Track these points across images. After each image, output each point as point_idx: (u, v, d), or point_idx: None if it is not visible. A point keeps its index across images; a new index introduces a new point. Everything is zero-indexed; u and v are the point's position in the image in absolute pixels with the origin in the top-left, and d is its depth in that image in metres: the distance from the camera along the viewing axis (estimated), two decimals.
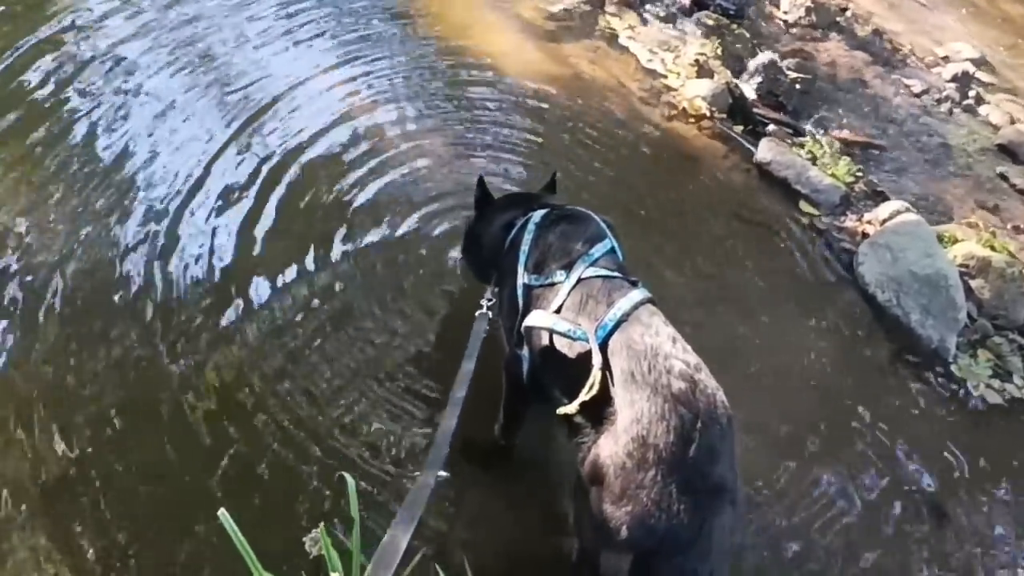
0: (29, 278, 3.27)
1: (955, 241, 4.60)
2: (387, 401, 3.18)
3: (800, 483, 3.36)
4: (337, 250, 3.67)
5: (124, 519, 2.68)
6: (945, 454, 3.66)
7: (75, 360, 3.06)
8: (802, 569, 3.10)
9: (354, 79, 4.63)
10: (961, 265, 4.34)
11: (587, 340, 2.52)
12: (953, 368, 3.99)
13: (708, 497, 2.22)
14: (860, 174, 5.03)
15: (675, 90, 5.17)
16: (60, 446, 2.80)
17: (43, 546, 2.57)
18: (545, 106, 4.81)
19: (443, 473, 2.34)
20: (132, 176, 3.77)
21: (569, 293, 2.68)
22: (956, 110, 6.02)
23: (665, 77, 5.26)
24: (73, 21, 4.57)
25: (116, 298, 3.29)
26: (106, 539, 2.62)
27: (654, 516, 2.20)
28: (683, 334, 2.61)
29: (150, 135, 4.00)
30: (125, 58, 4.43)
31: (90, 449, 2.82)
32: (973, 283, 4.32)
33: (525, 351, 2.80)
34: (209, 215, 3.67)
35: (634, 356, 2.39)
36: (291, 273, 3.53)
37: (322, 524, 2.20)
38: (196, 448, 2.90)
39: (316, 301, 3.46)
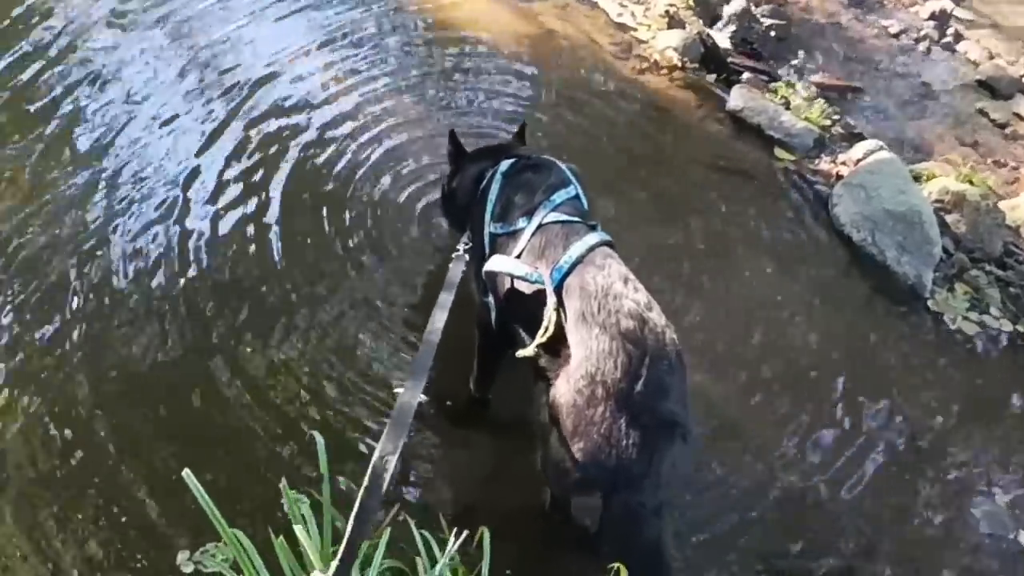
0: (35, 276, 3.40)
1: (933, 178, 4.58)
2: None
3: (779, 422, 3.39)
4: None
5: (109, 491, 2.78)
6: (923, 387, 3.68)
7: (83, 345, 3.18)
8: (783, 507, 3.14)
9: (326, 53, 4.68)
10: (936, 201, 4.33)
11: (543, 283, 2.55)
12: (930, 303, 3.99)
13: (658, 432, 2.26)
14: (837, 117, 5.01)
15: (645, 43, 5.14)
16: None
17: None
18: (517, 66, 4.81)
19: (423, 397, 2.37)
20: (127, 171, 3.86)
21: (530, 239, 2.71)
22: (935, 48, 5.97)
23: (635, 30, 5.23)
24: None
25: (124, 285, 3.41)
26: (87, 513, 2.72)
27: (604, 451, 2.24)
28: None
29: (134, 126, 4.09)
30: (100, 44, 4.53)
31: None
32: (948, 218, 4.31)
33: (490, 298, 2.84)
34: (207, 202, 3.78)
35: (586, 296, 2.42)
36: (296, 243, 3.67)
37: (284, 479, 2.22)
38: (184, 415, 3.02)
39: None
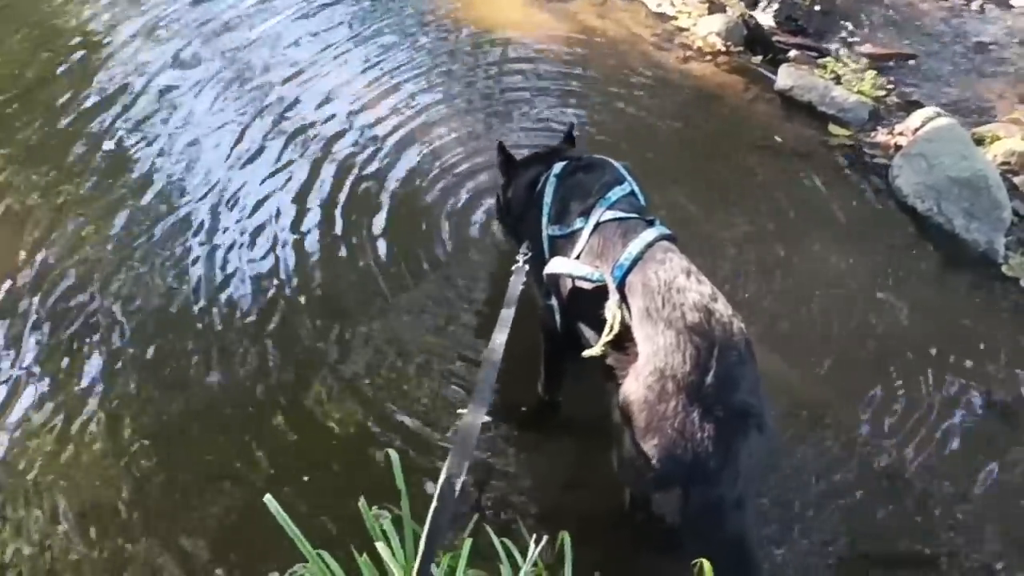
0: (74, 298, 3.50)
1: (996, 140, 4.44)
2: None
3: (861, 403, 3.32)
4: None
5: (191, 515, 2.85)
6: (1005, 355, 3.55)
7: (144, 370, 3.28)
8: (866, 489, 3.07)
9: (367, 61, 4.79)
10: (1002, 163, 4.21)
11: (605, 282, 2.54)
12: (1004, 268, 3.87)
13: (732, 423, 2.24)
14: (891, 87, 4.89)
15: (687, 30, 5.11)
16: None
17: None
18: (559, 65, 4.83)
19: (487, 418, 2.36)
20: (165, 184, 4.02)
21: (588, 239, 2.71)
22: (988, 6, 5.79)
23: (676, 19, 5.20)
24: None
25: (173, 308, 3.50)
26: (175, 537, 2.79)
27: (679, 446, 2.22)
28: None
29: (179, 136, 4.28)
30: (142, 59, 4.79)
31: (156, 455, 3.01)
32: (1017, 180, 4.18)
33: (554, 301, 2.84)
34: (248, 211, 3.90)
35: (649, 292, 2.41)
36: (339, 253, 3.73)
37: (362, 498, 2.25)
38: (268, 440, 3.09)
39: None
